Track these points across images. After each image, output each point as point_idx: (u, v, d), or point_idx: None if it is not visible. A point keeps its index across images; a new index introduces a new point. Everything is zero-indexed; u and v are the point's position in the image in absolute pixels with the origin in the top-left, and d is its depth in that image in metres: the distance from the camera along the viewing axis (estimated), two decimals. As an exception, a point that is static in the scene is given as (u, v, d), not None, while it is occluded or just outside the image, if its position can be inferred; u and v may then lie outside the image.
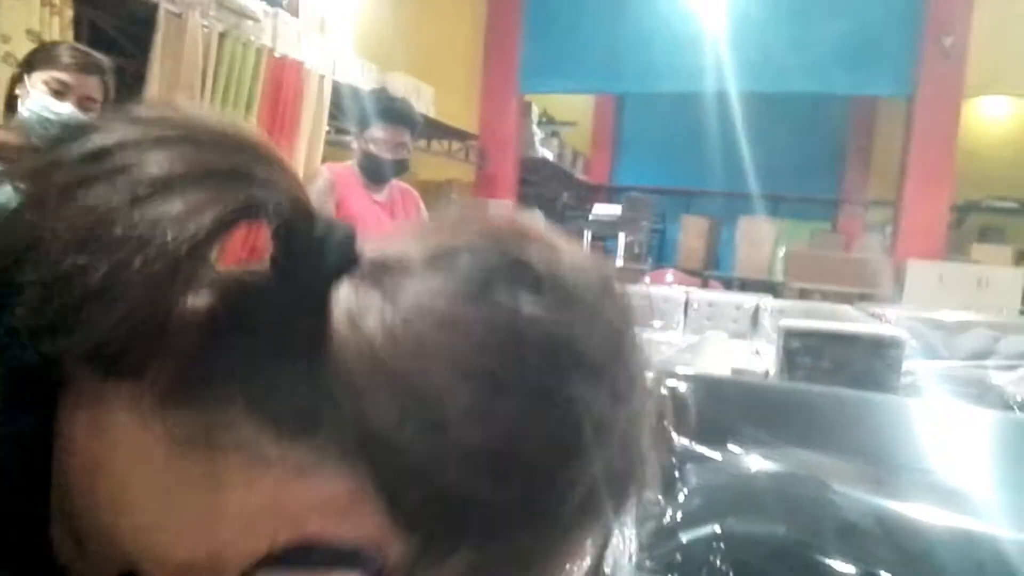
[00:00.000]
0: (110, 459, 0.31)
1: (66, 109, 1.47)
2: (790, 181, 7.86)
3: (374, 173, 2.28)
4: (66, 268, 0.27)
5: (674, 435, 1.39)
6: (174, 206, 0.28)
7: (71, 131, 0.29)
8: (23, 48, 2.18)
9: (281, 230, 0.29)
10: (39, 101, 1.46)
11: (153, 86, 2.90)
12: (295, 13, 3.81)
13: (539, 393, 0.29)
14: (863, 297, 5.27)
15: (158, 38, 2.93)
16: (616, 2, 6.05)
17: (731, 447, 1.39)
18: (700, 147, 7.02)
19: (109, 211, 0.27)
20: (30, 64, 1.52)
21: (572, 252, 0.33)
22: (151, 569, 0.32)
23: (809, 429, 1.50)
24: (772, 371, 2.74)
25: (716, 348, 2.85)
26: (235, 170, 0.29)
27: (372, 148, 2.24)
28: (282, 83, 3.57)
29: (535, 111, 7.03)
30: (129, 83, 2.78)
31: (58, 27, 2.58)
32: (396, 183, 2.41)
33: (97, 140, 0.29)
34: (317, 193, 2.16)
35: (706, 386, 1.65)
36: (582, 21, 6.11)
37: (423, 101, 5.27)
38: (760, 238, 7.55)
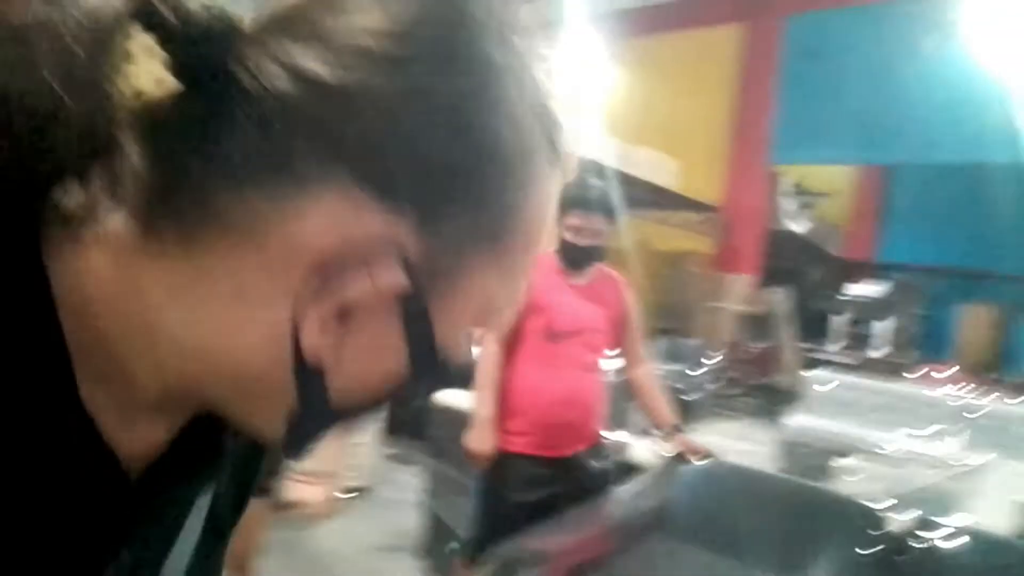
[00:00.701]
0: (132, 304, 0.32)
1: None
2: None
3: (568, 260, 2.30)
4: (13, 91, 0.29)
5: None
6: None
7: None
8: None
9: (173, 33, 0.31)
10: None
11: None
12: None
13: (469, 59, 0.33)
14: None
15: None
16: (881, 68, 5.51)
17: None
18: (986, 222, 6.09)
19: (36, 23, 0.29)
20: None
21: None
22: (225, 393, 0.35)
23: None
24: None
25: (1000, 477, 2.37)
26: None
27: (567, 235, 2.26)
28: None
29: (785, 181, 6.63)
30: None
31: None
32: (601, 267, 2.39)
33: None
34: None
35: (989, 546, 1.30)
36: (844, 89, 5.66)
37: (665, 174, 5.23)
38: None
